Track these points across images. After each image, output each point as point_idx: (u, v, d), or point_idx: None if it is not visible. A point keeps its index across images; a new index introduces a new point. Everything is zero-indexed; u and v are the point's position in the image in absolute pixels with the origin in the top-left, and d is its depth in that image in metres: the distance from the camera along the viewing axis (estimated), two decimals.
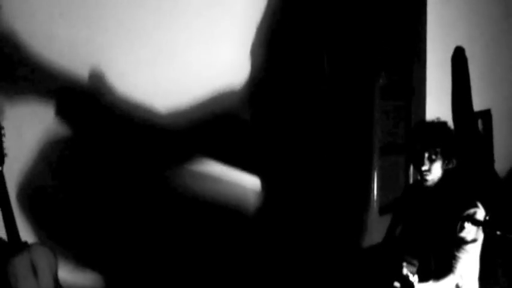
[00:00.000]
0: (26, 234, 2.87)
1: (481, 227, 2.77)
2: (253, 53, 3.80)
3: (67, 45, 3.08)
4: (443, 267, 2.83)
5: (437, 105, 4.46)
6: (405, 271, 2.75)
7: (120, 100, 3.29)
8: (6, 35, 2.89)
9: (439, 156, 2.84)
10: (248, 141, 3.84)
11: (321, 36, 3.94)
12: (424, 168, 2.84)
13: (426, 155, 2.84)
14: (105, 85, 3.24)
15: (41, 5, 2.98)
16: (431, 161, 2.84)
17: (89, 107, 3.23)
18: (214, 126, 3.66)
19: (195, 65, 3.54)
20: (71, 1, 3.08)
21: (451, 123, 2.99)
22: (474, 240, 2.80)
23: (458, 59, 4.69)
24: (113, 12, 3.21)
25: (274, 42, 3.85)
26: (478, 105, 4.90)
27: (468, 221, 2.75)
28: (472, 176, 4.02)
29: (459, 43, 4.67)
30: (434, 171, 2.86)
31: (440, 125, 2.95)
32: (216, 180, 3.73)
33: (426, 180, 2.89)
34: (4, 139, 2.70)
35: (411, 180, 4.20)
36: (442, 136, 2.88)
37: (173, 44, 3.45)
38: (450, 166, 2.88)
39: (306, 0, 3.92)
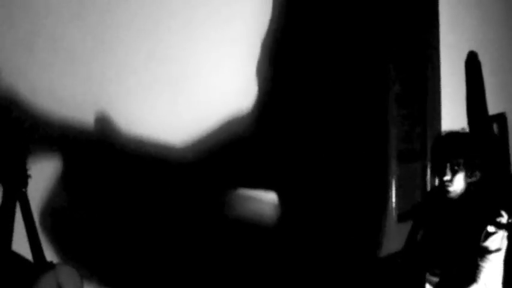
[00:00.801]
0: (49, 254, 2.88)
1: (505, 237, 2.77)
2: (259, 71, 3.78)
3: (69, 89, 3.07)
4: (467, 277, 2.81)
5: (452, 110, 4.45)
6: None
7: (129, 138, 3.30)
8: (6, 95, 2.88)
9: (461, 167, 2.81)
10: (262, 158, 3.82)
11: (330, 46, 3.93)
12: (446, 178, 2.82)
13: (449, 165, 2.81)
14: (113, 125, 3.25)
15: (35, 56, 2.96)
16: (454, 172, 2.82)
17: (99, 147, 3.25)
18: (227, 152, 3.65)
19: (202, 94, 3.54)
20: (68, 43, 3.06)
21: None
22: (498, 250, 2.79)
23: (472, 63, 4.68)
24: (114, 51, 3.21)
25: (280, 58, 3.84)
26: (492, 108, 4.89)
27: (492, 224, 2.74)
28: (491, 181, 4.00)
29: (472, 47, 4.66)
30: (457, 183, 2.83)
31: (465, 135, 2.93)
32: (234, 197, 3.74)
33: (448, 192, 2.86)
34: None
35: (429, 187, 4.20)
36: (466, 147, 2.86)
37: (179, 75, 3.44)
38: (474, 179, 2.86)
39: (312, 12, 3.91)
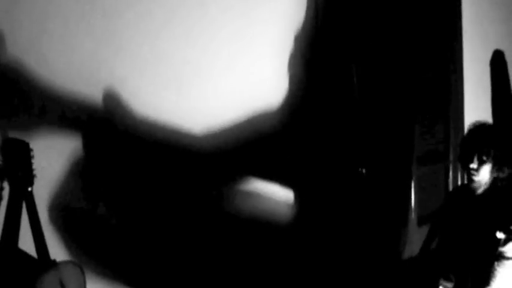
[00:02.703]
0: (55, 252, 2.91)
1: None
2: (291, 65, 3.77)
3: (79, 67, 3.09)
4: (481, 282, 2.75)
5: (476, 111, 4.35)
6: None
7: (145, 122, 3.32)
8: (14, 67, 2.91)
9: (490, 158, 2.74)
10: (281, 153, 3.81)
11: (353, 45, 3.89)
12: (473, 165, 2.75)
13: (477, 153, 2.75)
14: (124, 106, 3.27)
15: (44, 28, 2.99)
16: (481, 162, 2.75)
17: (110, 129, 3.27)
18: (248, 143, 3.65)
19: (230, 86, 3.55)
20: (82, 19, 3.09)
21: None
22: None
23: (498, 63, 4.57)
24: (140, 34, 3.25)
25: (313, 52, 3.82)
26: None
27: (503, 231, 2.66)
28: None
29: (497, 45, 4.56)
30: (482, 174, 2.76)
31: (497, 128, 2.88)
32: (247, 194, 3.72)
33: (472, 181, 2.80)
34: (33, 160, 2.76)
35: (450, 189, 4.11)
36: (497, 139, 2.79)
37: (209, 65, 3.47)
38: (500, 175, 2.78)
39: (342, 11, 3.89)
